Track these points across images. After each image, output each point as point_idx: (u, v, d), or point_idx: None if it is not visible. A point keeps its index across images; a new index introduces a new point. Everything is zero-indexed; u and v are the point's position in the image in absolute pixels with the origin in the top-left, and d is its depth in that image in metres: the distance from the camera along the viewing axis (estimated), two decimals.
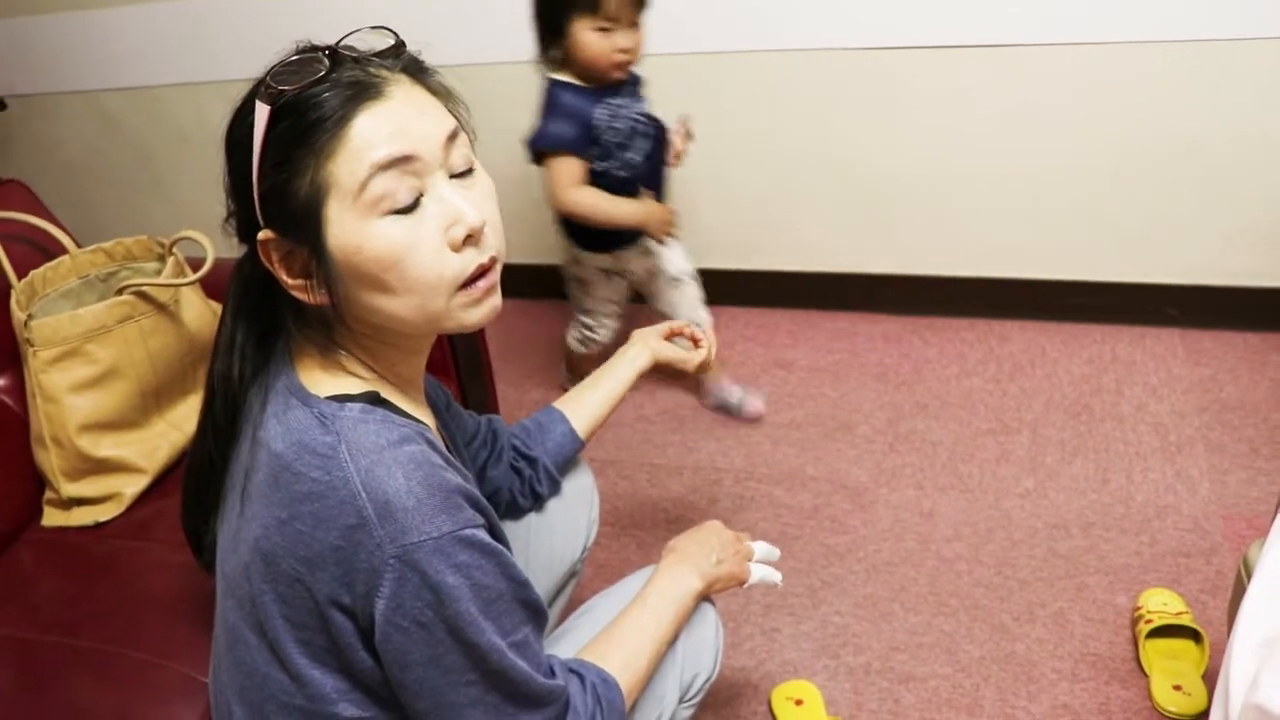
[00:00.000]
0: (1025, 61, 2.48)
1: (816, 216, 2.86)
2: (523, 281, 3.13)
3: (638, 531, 2.22)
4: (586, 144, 2.16)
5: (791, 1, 2.56)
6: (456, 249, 0.97)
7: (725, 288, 3.00)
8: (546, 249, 3.13)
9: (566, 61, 2.15)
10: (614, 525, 2.24)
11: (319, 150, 0.92)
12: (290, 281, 0.99)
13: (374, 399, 1.01)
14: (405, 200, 0.94)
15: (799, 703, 1.78)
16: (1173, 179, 2.53)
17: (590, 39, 2.08)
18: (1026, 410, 2.47)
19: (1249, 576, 1.10)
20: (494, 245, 1.02)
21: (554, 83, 2.17)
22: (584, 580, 1.89)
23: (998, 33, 2.47)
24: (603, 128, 2.15)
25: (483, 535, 0.96)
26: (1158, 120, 2.47)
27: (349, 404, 0.99)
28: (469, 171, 1.01)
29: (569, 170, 2.16)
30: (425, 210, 0.96)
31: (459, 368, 1.99)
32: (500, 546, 0.99)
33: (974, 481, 2.26)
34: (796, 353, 2.79)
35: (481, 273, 1.00)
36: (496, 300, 1.04)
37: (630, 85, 2.23)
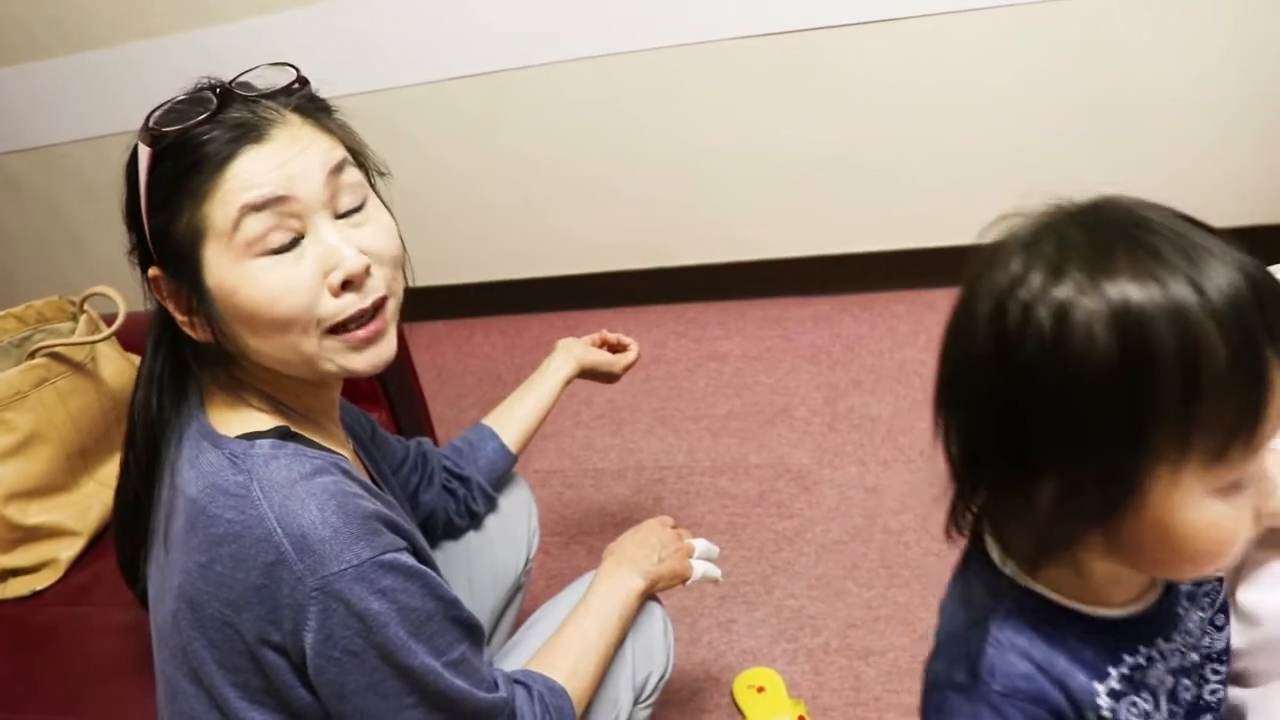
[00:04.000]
0: (928, 32, 2.50)
1: (735, 206, 2.86)
2: (454, 302, 3.14)
3: (586, 538, 2.22)
4: None
5: None
6: (335, 294, 0.96)
7: (651, 286, 3.01)
8: (479, 266, 3.13)
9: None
10: (562, 534, 2.24)
11: (195, 193, 0.92)
12: (180, 318, 0.99)
13: (284, 434, 1.00)
14: (280, 242, 0.94)
15: (761, 690, 1.78)
16: (1082, 136, 2.56)
17: (1200, 512, 0.70)
18: None
19: None
20: (381, 286, 1.00)
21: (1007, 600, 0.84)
22: (536, 592, 1.88)
23: (898, 5, 2.48)
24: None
25: (405, 558, 0.96)
26: (1062, 79, 2.50)
27: (259, 441, 0.98)
28: (360, 208, 1.00)
29: None
30: (305, 252, 0.95)
31: (389, 394, 1.98)
32: (425, 568, 0.98)
33: (915, 452, 2.28)
34: (729, 344, 2.80)
35: (360, 318, 0.99)
36: (385, 347, 1.02)
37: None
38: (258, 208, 0.92)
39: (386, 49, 2.77)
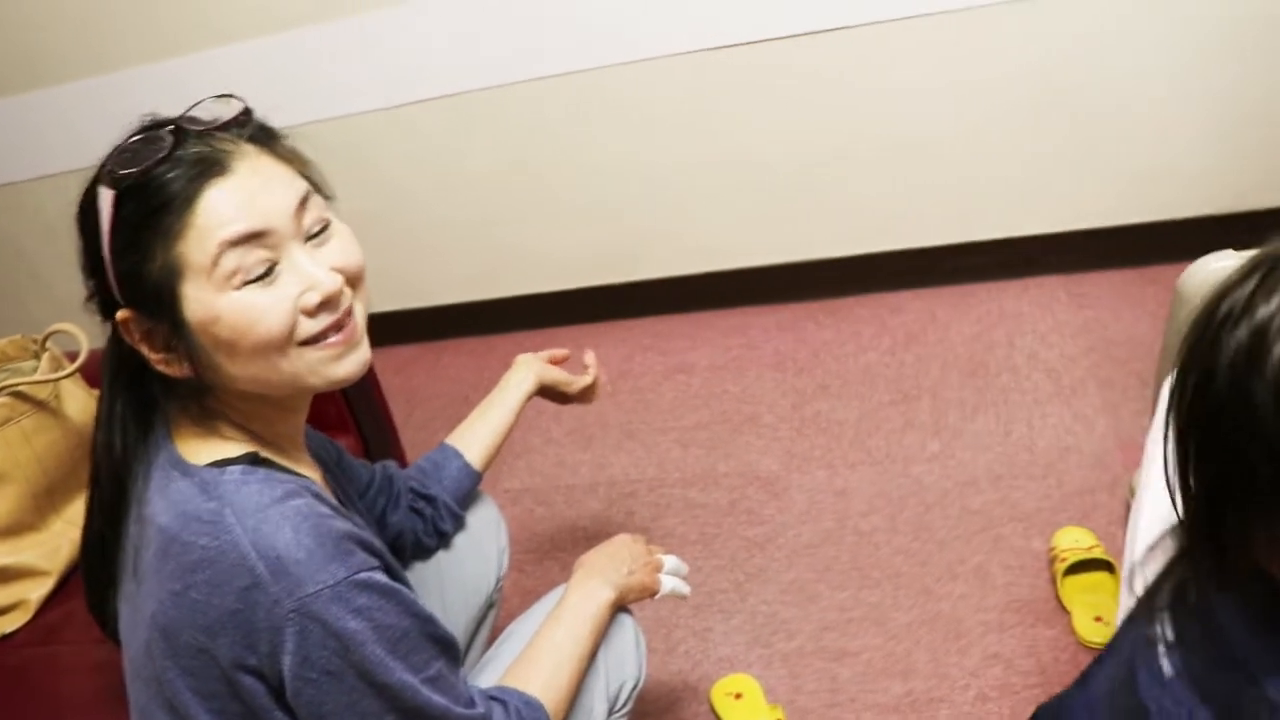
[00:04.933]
0: (885, 39, 2.52)
1: (696, 218, 2.88)
2: (421, 325, 3.13)
3: (560, 554, 2.23)
4: None
5: (635, 13, 2.58)
6: (311, 315, 0.98)
7: (616, 302, 3.02)
8: (444, 288, 3.13)
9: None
10: (535, 552, 2.24)
11: (167, 232, 0.93)
12: (154, 356, 0.99)
13: (254, 459, 1.01)
14: (259, 272, 0.96)
15: (738, 696, 1.79)
16: (1033, 134, 2.59)
17: None
18: (924, 376, 2.52)
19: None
20: (350, 295, 1.02)
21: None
22: (511, 609, 1.88)
23: (848, 13, 2.50)
24: None
25: (379, 576, 0.97)
26: (1010, 79, 2.53)
27: (229, 468, 0.99)
28: (324, 229, 1.02)
29: None
30: (280, 278, 0.97)
31: (358, 421, 1.98)
32: (399, 586, 0.99)
33: (882, 453, 2.30)
34: (695, 355, 2.82)
35: (336, 328, 1.01)
36: (364, 351, 1.05)
37: None
38: (235, 243, 0.94)
39: (344, 77, 2.77)
